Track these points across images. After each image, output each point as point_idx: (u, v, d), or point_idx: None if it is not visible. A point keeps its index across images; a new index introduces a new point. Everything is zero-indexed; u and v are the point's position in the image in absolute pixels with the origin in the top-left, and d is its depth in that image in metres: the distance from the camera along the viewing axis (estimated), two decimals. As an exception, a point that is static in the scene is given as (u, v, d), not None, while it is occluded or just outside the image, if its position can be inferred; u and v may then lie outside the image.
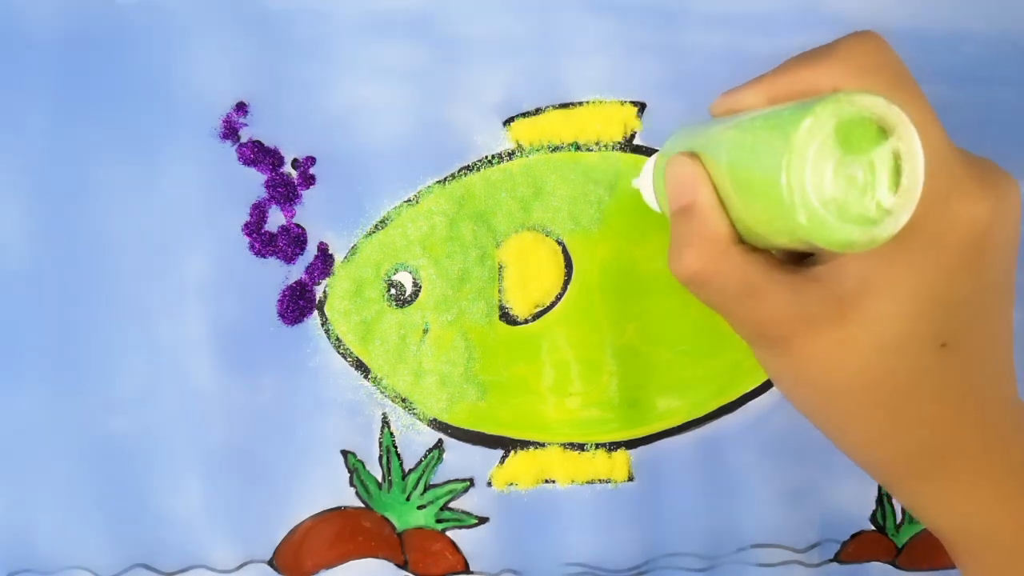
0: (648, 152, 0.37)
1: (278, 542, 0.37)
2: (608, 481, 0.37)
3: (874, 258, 0.23)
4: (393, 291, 0.37)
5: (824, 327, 0.23)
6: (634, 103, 0.37)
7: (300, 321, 0.37)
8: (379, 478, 0.37)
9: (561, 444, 0.37)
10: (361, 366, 0.37)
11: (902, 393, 0.24)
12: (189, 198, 0.36)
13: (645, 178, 0.30)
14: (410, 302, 0.37)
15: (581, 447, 0.37)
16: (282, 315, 0.37)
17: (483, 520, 0.37)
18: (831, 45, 0.24)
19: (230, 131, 0.36)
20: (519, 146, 0.37)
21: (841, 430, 0.26)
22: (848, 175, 0.20)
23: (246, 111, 0.36)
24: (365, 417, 0.37)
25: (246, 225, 0.36)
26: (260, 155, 0.36)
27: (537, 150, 0.37)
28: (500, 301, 0.37)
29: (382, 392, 0.37)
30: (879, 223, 0.20)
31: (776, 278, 0.24)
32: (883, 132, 0.21)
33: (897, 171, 0.21)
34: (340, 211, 0.37)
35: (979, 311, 0.24)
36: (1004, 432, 0.25)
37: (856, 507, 0.38)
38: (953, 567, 0.39)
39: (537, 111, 0.37)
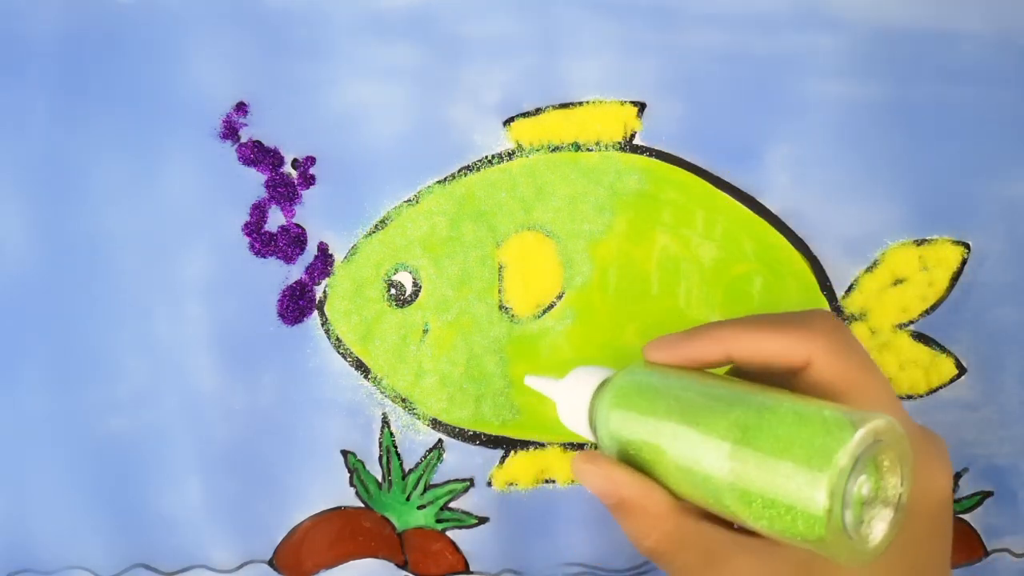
0: (648, 152, 0.37)
1: (278, 542, 0.37)
2: (608, 481, 0.37)
3: None
4: (393, 291, 0.37)
5: None
6: (634, 103, 0.37)
7: (300, 321, 0.37)
8: (379, 478, 0.37)
9: (561, 444, 0.37)
10: (361, 366, 0.37)
11: None
12: (189, 198, 0.36)
13: (572, 407, 0.28)
14: (410, 302, 0.37)
15: (581, 447, 0.37)
16: (282, 315, 0.37)
17: (483, 520, 0.37)
18: (803, 316, 0.25)
19: (230, 131, 0.36)
20: (519, 146, 0.37)
21: None
22: (862, 497, 0.21)
23: (246, 111, 0.36)
24: (365, 417, 0.37)
25: (246, 225, 0.36)
26: (260, 155, 0.36)
27: (537, 150, 0.37)
28: (500, 301, 0.37)
29: (382, 392, 0.37)
30: (876, 540, 0.22)
31: (737, 543, 0.24)
32: (892, 457, 0.22)
33: (895, 497, 0.22)
34: (340, 211, 0.37)
35: (942, 568, 0.25)
36: None
37: (856, 507, 0.38)
38: (953, 567, 0.39)
39: (537, 111, 0.37)
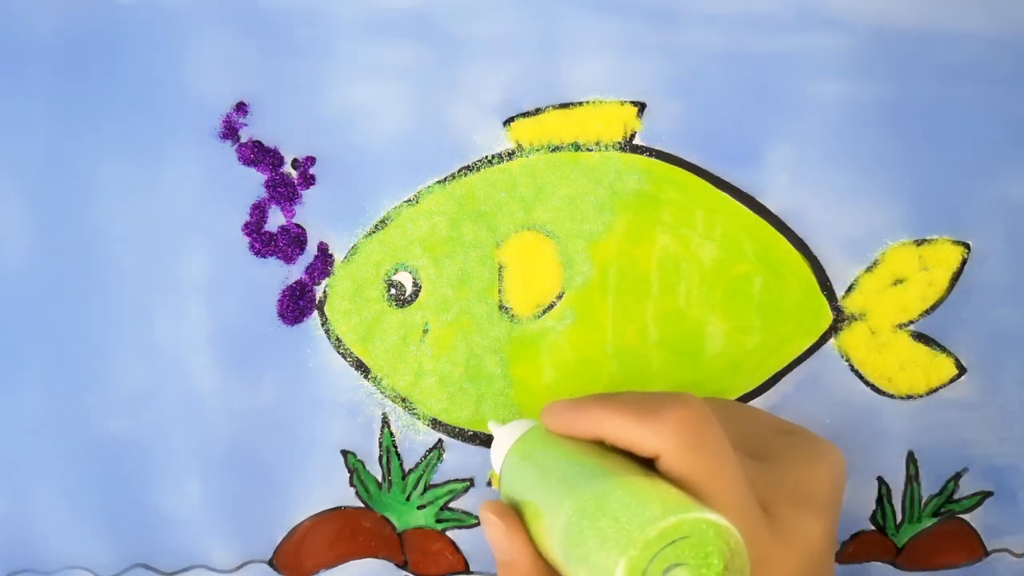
0: (648, 152, 0.37)
1: (278, 542, 0.37)
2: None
3: None
4: (393, 291, 0.37)
5: None
6: (634, 103, 0.37)
7: (300, 321, 0.37)
8: (379, 478, 0.37)
9: (561, 444, 0.37)
10: (361, 366, 0.37)
11: None
12: (189, 198, 0.36)
13: (502, 442, 0.30)
14: (410, 302, 0.37)
15: (581, 447, 0.37)
16: (282, 315, 0.37)
17: (483, 520, 0.37)
18: (658, 405, 0.25)
19: (230, 131, 0.36)
20: (519, 146, 0.37)
21: None
22: None
23: (246, 111, 0.36)
24: (365, 417, 0.37)
25: (246, 225, 0.36)
26: (260, 155, 0.36)
27: (537, 150, 0.37)
28: (500, 301, 0.37)
29: (382, 392, 0.37)
30: None
31: None
32: (718, 550, 0.22)
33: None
34: (340, 211, 0.37)
35: None
36: None
37: (856, 507, 0.38)
38: (953, 567, 0.39)
39: (537, 111, 0.37)
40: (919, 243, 0.38)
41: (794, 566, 0.25)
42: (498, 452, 0.30)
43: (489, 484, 0.37)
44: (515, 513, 0.27)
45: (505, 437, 0.30)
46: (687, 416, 0.25)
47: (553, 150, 0.37)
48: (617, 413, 0.26)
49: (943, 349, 0.38)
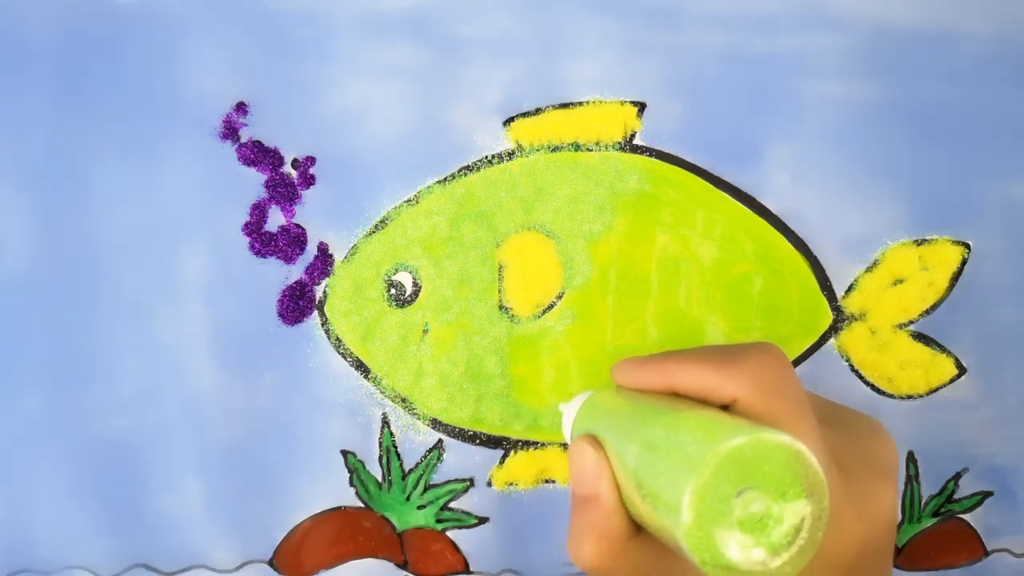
0: (648, 152, 0.37)
1: (278, 542, 0.37)
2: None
3: None
4: (393, 291, 0.37)
5: None
6: (634, 103, 0.37)
7: (300, 321, 0.37)
8: (379, 478, 0.37)
9: (561, 444, 0.37)
10: (361, 366, 0.37)
11: None
12: (189, 198, 0.36)
13: (570, 413, 0.30)
14: (410, 302, 0.37)
15: (581, 447, 0.37)
16: (282, 315, 0.37)
17: (483, 520, 0.37)
18: (739, 352, 0.25)
19: (230, 131, 0.36)
20: (519, 146, 0.37)
21: None
22: (748, 515, 0.20)
23: (246, 111, 0.36)
24: (365, 417, 0.37)
25: (246, 225, 0.36)
26: (260, 155, 0.36)
27: (537, 150, 0.37)
28: (500, 301, 0.37)
29: (382, 392, 0.37)
30: (765, 574, 0.20)
31: (669, 570, 0.25)
32: (793, 480, 0.20)
33: (797, 524, 0.20)
34: (340, 211, 0.37)
35: None
36: None
37: (856, 507, 0.38)
38: (953, 567, 0.39)
39: (537, 111, 0.37)
40: (919, 243, 0.38)
41: (863, 530, 0.24)
42: (568, 421, 0.29)
43: (489, 484, 0.37)
44: (604, 451, 0.26)
45: (573, 407, 0.29)
46: (767, 360, 0.25)
47: (553, 150, 0.37)
48: (693, 362, 0.25)
49: (943, 349, 0.38)
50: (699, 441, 0.21)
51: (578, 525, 0.26)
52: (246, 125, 0.36)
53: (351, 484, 0.37)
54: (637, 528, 0.25)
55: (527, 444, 0.37)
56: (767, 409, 0.24)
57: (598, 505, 0.25)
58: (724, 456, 0.20)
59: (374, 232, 0.37)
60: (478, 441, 0.37)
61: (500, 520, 0.37)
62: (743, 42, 0.37)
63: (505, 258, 0.37)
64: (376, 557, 0.38)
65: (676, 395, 0.26)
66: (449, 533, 0.37)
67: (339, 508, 0.37)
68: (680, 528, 0.20)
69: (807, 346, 0.38)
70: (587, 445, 0.26)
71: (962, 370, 0.38)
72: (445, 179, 0.37)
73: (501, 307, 0.37)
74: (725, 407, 0.25)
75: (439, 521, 0.37)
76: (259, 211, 0.36)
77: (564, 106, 0.37)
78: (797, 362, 0.38)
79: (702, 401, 0.25)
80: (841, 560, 0.24)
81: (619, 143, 0.37)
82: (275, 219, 0.37)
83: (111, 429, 0.36)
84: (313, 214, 0.37)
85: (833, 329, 0.38)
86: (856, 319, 0.38)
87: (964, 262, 0.38)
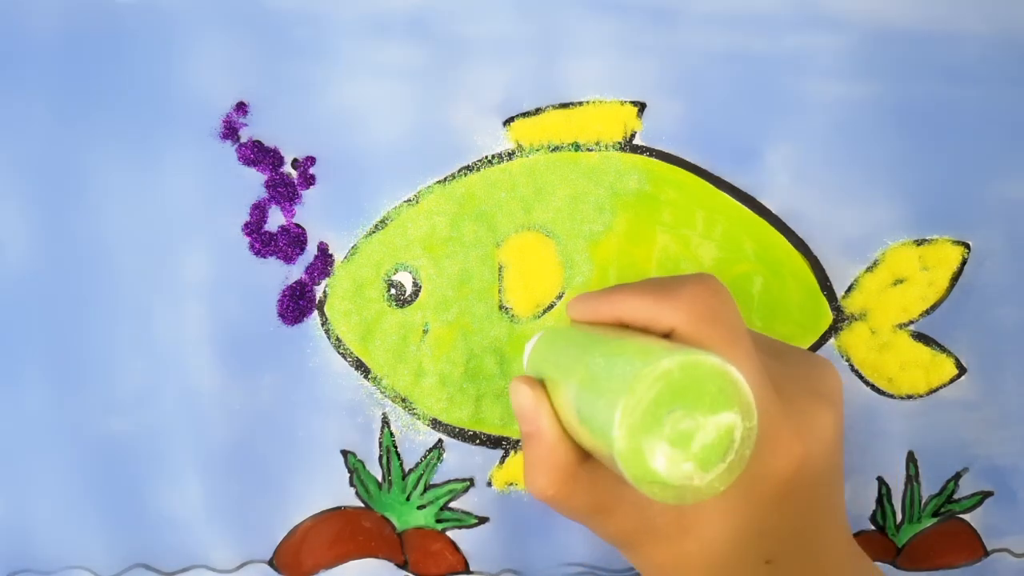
0: (648, 152, 0.37)
1: (278, 542, 0.37)
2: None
3: None
4: (393, 291, 0.37)
5: (665, 541, 0.26)
6: (634, 103, 0.37)
7: (300, 321, 0.37)
8: (379, 478, 0.37)
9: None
10: (361, 366, 0.37)
11: None
12: (189, 198, 0.36)
13: (527, 350, 0.31)
14: (410, 302, 0.37)
15: (581, 447, 0.37)
16: (282, 315, 0.37)
17: (483, 520, 0.37)
18: (676, 284, 0.26)
19: (230, 131, 0.36)
20: (519, 146, 0.37)
21: None
22: (678, 432, 0.21)
23: (246, 111, 0.36)
24: (365, 417, 0.37)
25: (246, 225, 0.36)
26: (260, 155, 0.36)
27: (537, 150, 0.37)
28: (500, 301, 0.37)
29: (382, 392, 0.37)
30: (696, 489, 0.21)
31: (623, 495, 0.26)
32: (722, 398, 0.21)
33: (726, 440, 0.21)
34: (340, 211, 0.37)
35: (802, 531, 0.27)
36: None
37: (856, 507, 0.38)
38: (953, 567, 0.39)
39: (537, 111, 0.37)
40: (919, 243, 0.38)
41: (800, 450, 0.25)
42: (524, 358, 0.30)
43: (489, 484, 0.37)
44: (542, 386, 0.27)
45: (530, 345, 0.30)
46: (702, 291, 0.26)
47: (553, 150, 0.37)
48: (635, 293, 0.26)
49: (943, 349, 0.38)
50: (632, 365, 0.21)
51: (528, 461, 0.27)
52: (246, 125, 0.36)
53: (351, 484, 0.37)
54: (586, 455, 0.26)
55: (527, 444, 0.37)
56: (701, 336, 0.25)
57: (541, 438, 0.26)
58: (654, 376, 0.21)
59: (374, 232, 0.37)
60: (478, 441, 0.37)
61: (500, 520, 0.37)
62: (743, 42, 0.37)
63: (505, 258, 0.37)
64: (376, 557, 0.38)
65: (624, 327, 0.27)
66: (449, 533, 0.37)
67: (339, 508, 0.37)
68: (612, 445, 0.21)
69: (807, 346, 0.38)
70: (522, 384, 0.27)
71: (962, 370, 0.38)
72: (445, 179, 0.37)
73: (501, 307, 0.37)
74: (667, 336, 0.25)
75: (439, 521, 0.37)
76: (259, 211, 0.36)
77: (564, 106, 0.37)
78: (797, 362, 0.38)
79: (645, 331, 0.26)
80: (778, 478, 0.25)
81: (619, 143, 0.37)
82: (275, 219, 0.37)
83: (111, 429, 0.36)
84: (313, 214, 0.37)
85: (833, 329, 0.38)
86: (856, 319, 0.38)
87: (964, 262, 0.38)
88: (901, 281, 0.38)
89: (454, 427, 0.37)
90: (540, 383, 0.27)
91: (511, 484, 0.37)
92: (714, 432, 0.21)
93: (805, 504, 0.26)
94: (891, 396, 0.38)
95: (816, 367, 0.29)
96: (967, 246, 0.38)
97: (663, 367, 0.21)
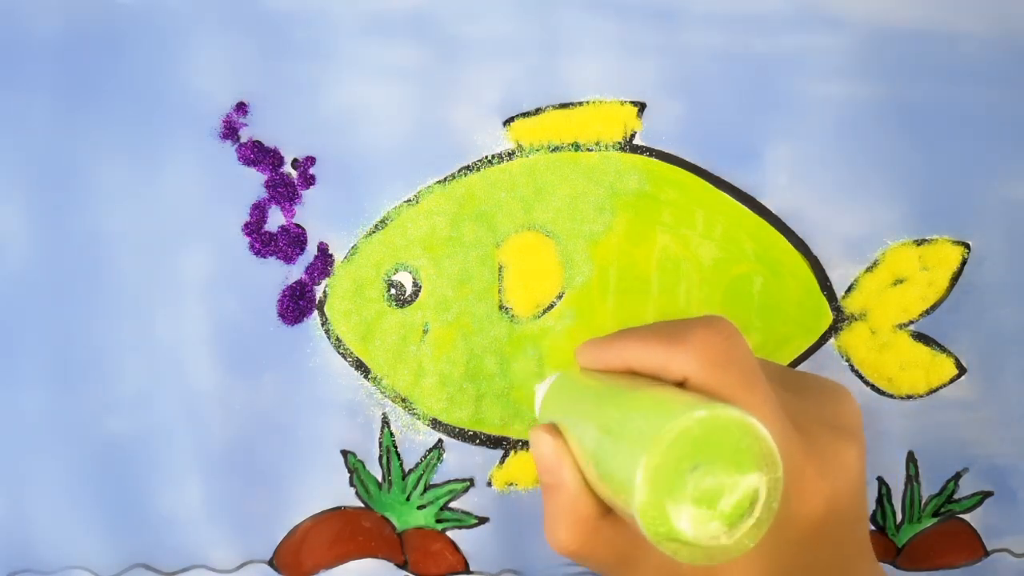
0: (648, 152, 0.37)
1: (278, 542, 0.37)
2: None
3: None
4: (393, 291, 0.37)
5: None
6: (634, 103, 0.37)
7: (300, 321, 0.37)
8: (379, 478, 0.37)
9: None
10: (361, 366, 0.37)
11: None
12: (189, 198, 0.36)
13: (539, 394, 0.30)
14: (410, 302, 0.37)
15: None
16: (282, 315, 0.37)
17: (483, 520, 0.37)
18: (684, 329, 0.25)
19: (230, 131, 0.36)
20: (519, 146, 0.37)
21: None
22: (701, 491, 0.20)
23: (246, 111, 0.36)
24: (365, 417, 0.37)
25: (246, 225, 0.36)
26: (260, 155, 0.36)
27: (537, 150, 0.37)
28: (500, 301, 0.37)
29: (382, 392, 0.37)
30: (724, 548, 0.20)
31: (647, 547, 0.25)
32: (746, 454, 0.20)
33: (752, 496, 0.20)
34: (340, 211, 0.37)
35: (831, 569, 0.26)
36: None
37: (856, 507, 0.38)
38: (953, 567, 0.39)
39: (537, 111, 0.37)
40: (919, 243, 0.38)
41: (829, 489, 0.25)
42: (537, 402, 0.30)
43: (489, 484, 0.37)
44: (563, 436, 0.26)
45: (542, 388, 0.30)
46: (712, 335, 0.24)
47: (553, 150, 0.37)
48: (643, 340, 0.26)
49: (943, 349, 0.38)
50: (650, 421, 0.21)
51: (549, 512, 0.26)
52: (246, 125, 0.36)
53: (351, 484, 0.37)
54: (607, 508, 0.26)
55: (527, 444, 0.37)
56: (717, 383, 0.24)
57: (563, 491, 0.26)
58: (673, 434, 0.20)
59: (374, 232, 0.37)
60: (478, 441, 0.37)
61: (500, 520, 0.37)
62: (743, 42, 0.37)
63: (505, 258, 0.37)
64: (376, 557, 0.38)
65: (635, 373, 0.26)
66: (449, 533, 0.37)
67: (339, 508, 0.37)
68: (634, 506, 0.20)
69: (807, 346, 0.38)
70: (544, 434, 0.26)
71: (962, 370, 0.38)
72: (445, 179, 0.37)
73: (501, 307, 0.37)
74: (680, 384, 0.25)
75: (439, 521, 0.37)
76: (259, 211, 0.36)
77: (564, 106, 0.37)
78: (797, 362, 0.38)
79: (657, 378, 0.25)
80: (806, 520, 0.24)
81: (619, 143, 0.37)
82: (275, 219, 0.37)
83: (111, 429, 0.36)
84: (313, 214, 0.37)
85: (833, 329, 0.38)
86: (856, 319, 0.38)
87: (964, 262, 0.38)
88: (901, 281, 0.38)
89: (454, 427, 0.37)
90: (560, 433, 0.26)
91: (511, 484, 0.37)
92: (740, 489, 0.20)
93: (834, 542, 0.25)
94: (891, 396, 0.38)
95: (833, 399, 0.28)
96: (967, 246, 0.38)
97: (682, 425, 0.20)
